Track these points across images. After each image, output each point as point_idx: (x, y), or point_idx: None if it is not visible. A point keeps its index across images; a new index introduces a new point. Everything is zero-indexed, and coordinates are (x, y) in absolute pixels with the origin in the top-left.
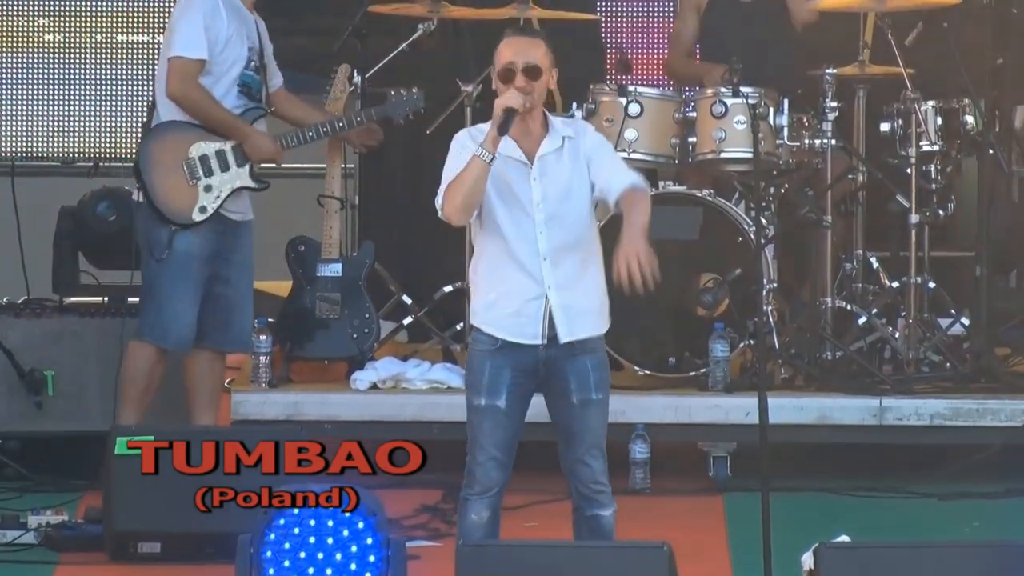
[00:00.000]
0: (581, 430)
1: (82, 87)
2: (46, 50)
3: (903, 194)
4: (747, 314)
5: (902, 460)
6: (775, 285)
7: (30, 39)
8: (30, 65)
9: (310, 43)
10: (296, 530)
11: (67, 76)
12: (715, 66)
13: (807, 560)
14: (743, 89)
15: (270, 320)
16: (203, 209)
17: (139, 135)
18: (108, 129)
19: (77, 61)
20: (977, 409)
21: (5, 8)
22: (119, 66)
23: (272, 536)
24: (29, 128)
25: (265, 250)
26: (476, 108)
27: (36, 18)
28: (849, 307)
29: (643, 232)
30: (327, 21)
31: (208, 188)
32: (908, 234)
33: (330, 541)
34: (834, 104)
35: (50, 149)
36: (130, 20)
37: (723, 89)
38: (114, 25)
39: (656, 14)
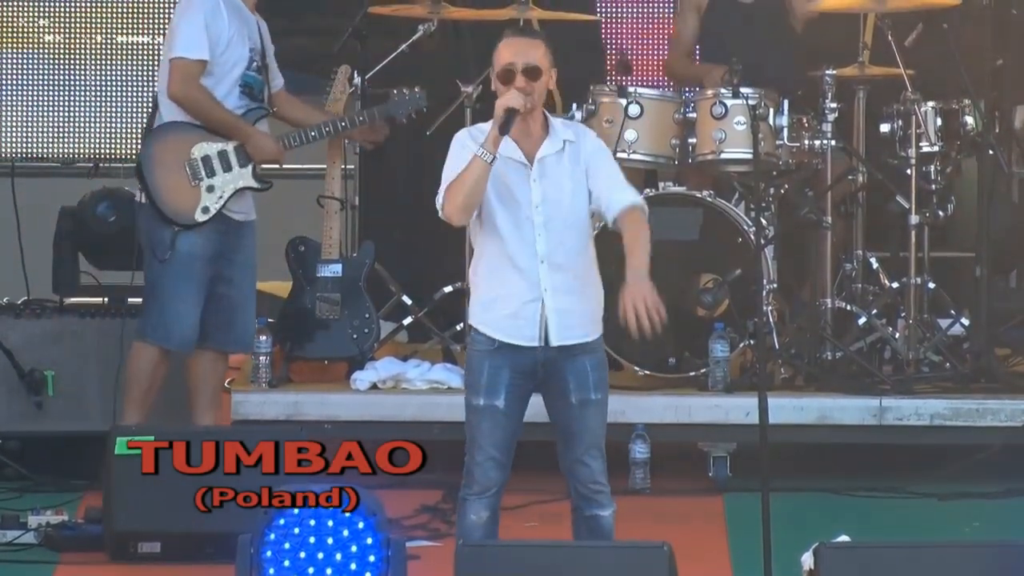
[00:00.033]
0: (580, 430)
1: (82, 88)
2: (46, 50)
3: (903, 195)
4: (747, 314)
5: (902, 460)
6: (775, 285)
7: (30, 39)
8: (30, 65)
9: (310, 43)
10: (296, 530)
11: (67, 77)
12: (715, 67)
13: (807, 560)
14: (743, 90)
15: (270, 320)
16: (206, 209)
17: (140, 136)
18: (108, 130)
19: (77, 62)
20: (977, 409)
21: (5, 8)
22: (119, 67)
23: (272, 536)
24: (29, 128)
25: (265, 250)
26: (476, 109)
27: (36, 18)
28: (849, 307)
29: (647, 272)
30: (327, 21)
31: (211, 188)
32: (908, 234)
33: (330, 541)
34: (834, 105)
35: (50, 149)
36: (130, 21)
37: (723, 90)
38: (114, 26)
39: (656, 14)
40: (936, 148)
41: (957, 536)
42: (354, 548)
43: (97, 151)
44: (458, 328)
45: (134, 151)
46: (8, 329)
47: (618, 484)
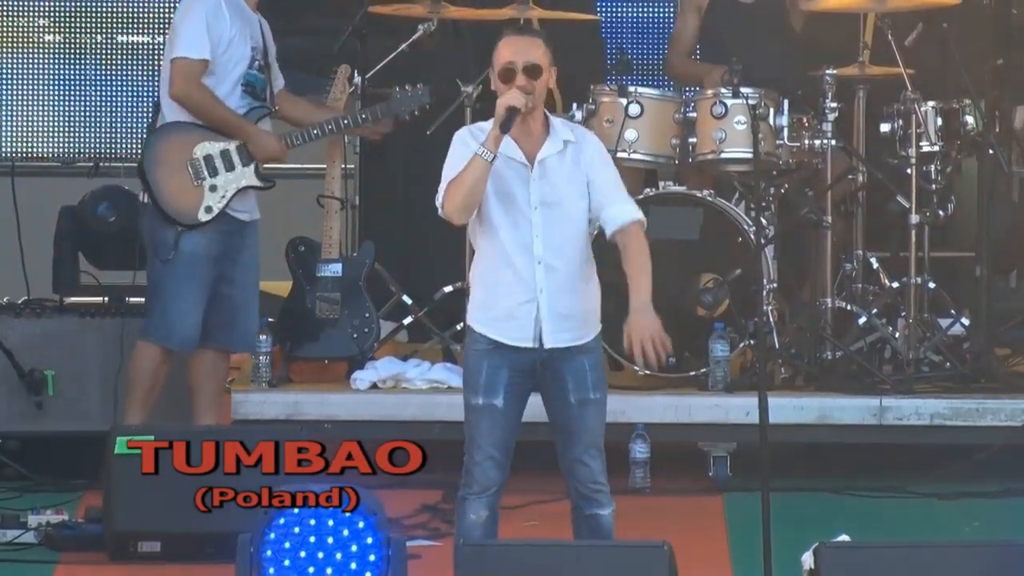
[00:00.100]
0: (579, 430)
1: (82, 87)
2: (46, 50)
3: (903, 194)
4: (747, 314)
5: (902, 460)
6: (775, 285)
7: (30, 39)
8: (30, 65)
9: (310, 43)
10: (296, 529)
11: (67, 76)
12: (715, 67)
13: (807, 560)
14: (743, 90)
15: (270, 320)
16: (209, 209)
17: (140, 135)
18: (108, 129)
19: (77, 61)
20: (977, 409)
21: (5, 8)
22: (119, 66)
23: (272, 535)
24: (29, 128)
25: (265, 250)
26: (476, 108)
27: (36, 18)
28: (849, 307)
29: (651, 305)
30: (327, 21)
31: (213, 188)
32: (908, 234)
33: (330, 540)
34: (834, 104)
35: (50, 149)
36: (130, 20)
37: (723, 89)
38: (114, 25)
39: (656, 14)
40: (936, 148)
41: (957, 536)
42: (354, 547)
43: (97, 150)
44: (458, 328)
45: (134, 150)
46: (8, 329)
47: (618, 484)
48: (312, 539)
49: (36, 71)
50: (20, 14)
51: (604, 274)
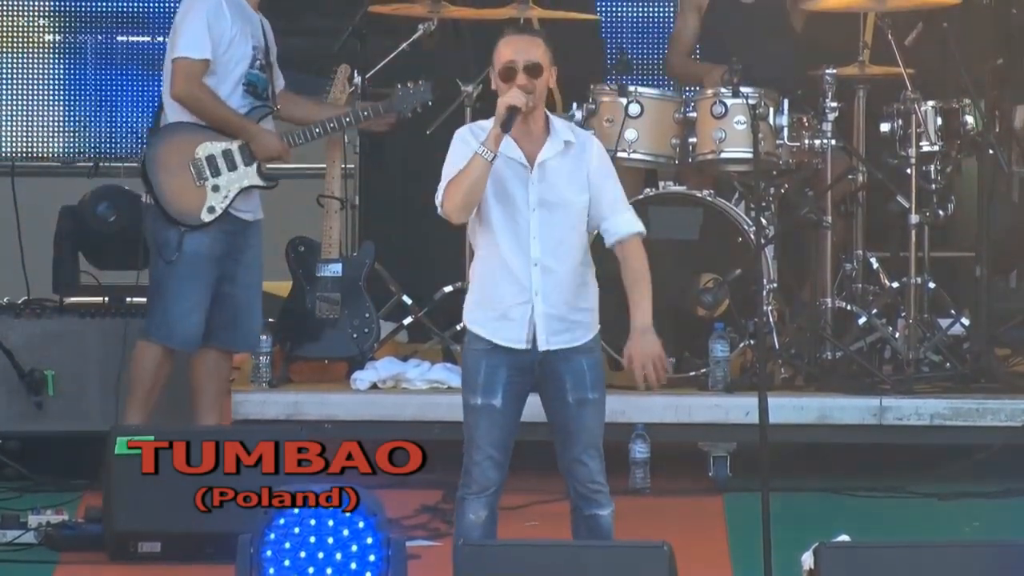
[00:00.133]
0: (577, 429)
1: (82, 87)
2: (46, 50)
3: (903, 194)
4: (747, 314)
5: (902, 460)
6: (775, 285)
7: (30, 39)
8: (30, 65)
9: (310, 43)
10: (296, 529)
11: (67, 76)
12: (715, 66)
13: (807, 560)
14: (743, 89)
15: (270, 320)
16: (211, 209)
17: (140, 135)
18: (108, 129)
19: (77, 61)
20: (977, 409)
21: (5, 8)
22: (119, 66)
23: (272, 535)
24: (29, 128)
25: (265, 250)
26: (476, 108)
27: (36, 18)
28: (849, 307)
29: (651, 321)
30: (327, 21)
31: (216, 188)
32: (908, 234)
33: (330, 541)
34: (834, 104)
35: (50, 149)
36: (130, 20)
37: (723, 89)
38: (114, 25)
39: (656, 14)
40: (936, 147)
41: (957, 536)
42: (354, 548)
43: (97, 151)
44: (458, 328)
45: (134, 150)
46: (8, 329)
47: (618, 484)
48: (312, 539)
49: (36, 71)
50: (20, 14)
51: (604, 273)
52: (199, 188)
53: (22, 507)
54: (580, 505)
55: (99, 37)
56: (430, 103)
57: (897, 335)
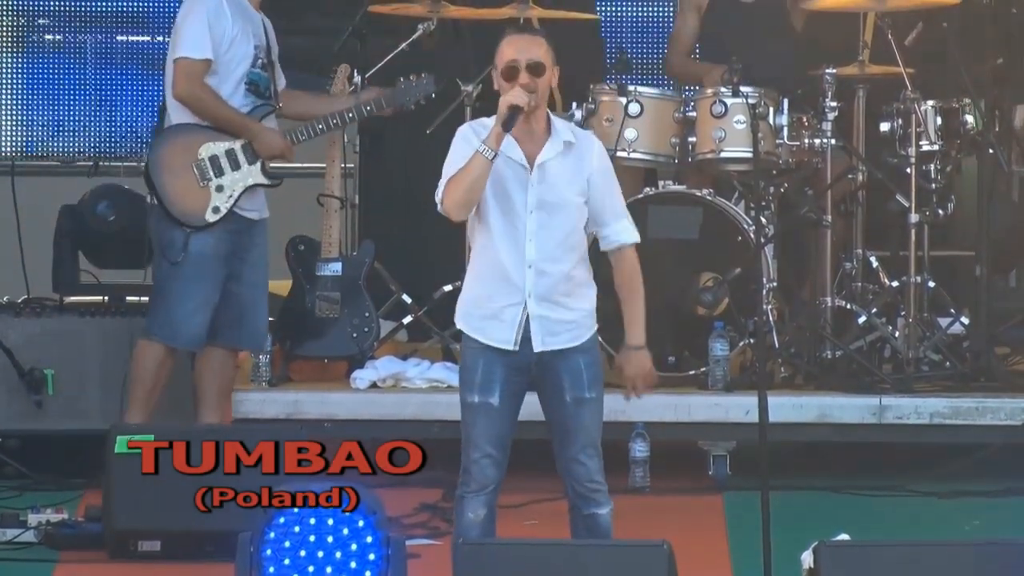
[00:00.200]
0: (575, 429)
1: (82, 87)
2: (46, 50)
3: (903, 194)
4: (747, 313)
5: (902, 458)
6: (775, 284)
7: (30, 39)
8: (30, 65)
9: (310, 43)
10: (296, 528)
11: (67, 76)
12: (715, 66)
13: (807, 559)
14: (743, 89)
15: (270, 319)
16: (216, 209)
17: (140, 135)
18: (108, 129)
19: (77, 61)
20: (977, 408)
21: (5, 8)
22: (119, 66)
23: (272, 534)
24: (29, 128)
25: None
26: (476, 108)
27: (36, 18)
28: (849, 306)
29: (644, 337)
30: (327, 21)
31: (220, 188)
32: (908, 234)
33: (330, 539)
34: (834, 104)
35: (50, 149)
36: (130, 20)
37: (723, 89)
38: (114, 25)
39: (656, 13)
40: (936, 147)
41: (957, 534)
42: (354, 546)
43: (97, 150)
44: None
45: (134, 150)
46: (8, 328)
47: (618, 483)
48: (312, 538)
49: (36, 71)
50: (20, 14)
51: (603, 273)
52: (203, 189)
53: (22, 506)
54: (578, 504)
55: (99, 37)
56: (433, 95)
57: (897, 334)
